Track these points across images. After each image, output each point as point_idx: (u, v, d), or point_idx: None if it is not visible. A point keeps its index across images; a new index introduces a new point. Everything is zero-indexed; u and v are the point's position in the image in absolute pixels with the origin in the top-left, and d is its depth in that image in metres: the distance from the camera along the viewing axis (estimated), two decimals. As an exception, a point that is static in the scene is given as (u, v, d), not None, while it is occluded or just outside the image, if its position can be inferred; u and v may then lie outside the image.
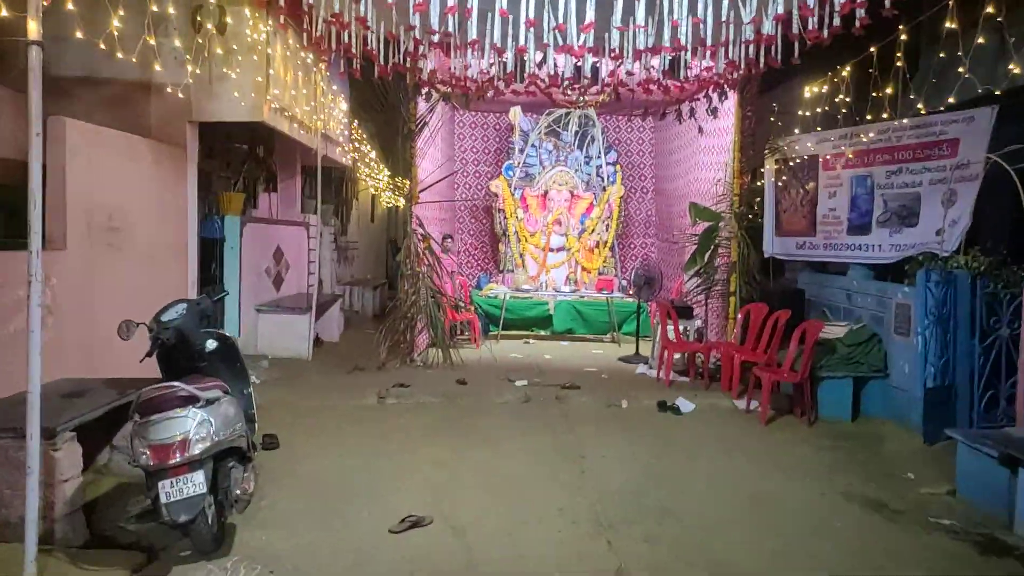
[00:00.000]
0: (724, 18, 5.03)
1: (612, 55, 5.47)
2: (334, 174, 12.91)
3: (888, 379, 6.57)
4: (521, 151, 12.16)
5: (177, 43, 6.42)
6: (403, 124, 8.48)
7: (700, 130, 9.13)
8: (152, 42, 5.32)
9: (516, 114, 12.07)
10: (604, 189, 12.19)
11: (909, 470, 5.29)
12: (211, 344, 4.43)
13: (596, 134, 12.16)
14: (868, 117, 6.61)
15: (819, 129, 7.57)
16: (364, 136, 11.55)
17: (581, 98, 8.44)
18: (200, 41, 6.52)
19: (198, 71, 6.65)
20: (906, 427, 6.18)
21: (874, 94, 6.14)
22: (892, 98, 6.00)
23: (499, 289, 10.95)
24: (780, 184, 8.29)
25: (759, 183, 8.58)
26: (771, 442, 5.99)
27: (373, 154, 12.06)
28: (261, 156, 10.68)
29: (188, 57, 6.62)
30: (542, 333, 11.19)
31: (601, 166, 12.26)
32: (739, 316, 8.07)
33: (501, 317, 10.53)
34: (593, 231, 12.16)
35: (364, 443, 5.64)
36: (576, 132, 12.09)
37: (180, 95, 6.55)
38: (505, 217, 12.05)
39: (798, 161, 8.00)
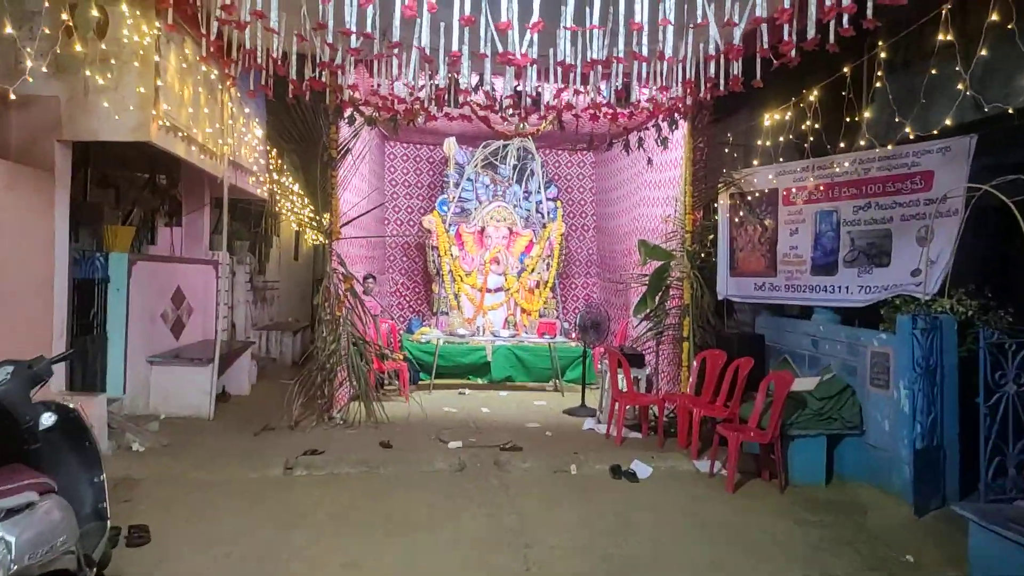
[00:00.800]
0: (691, 22, 4.33)
1: (560, 66, 4.72)
2: (253, 209, 11.84)
3: (864, 437, 5.90)
4: (456, 185, 11.35)
5: (44, 47, 5.41)
6: (323, 151, 7.55)
7: (649, 162, 8.50)
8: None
9: (451, 146, 11.29)
10: (544, 226, 11.46)
11: (906, 551, 4.56)
12: (47, 419, 3.39)
13: (535, 168, 11.46)
14: (841, 145, 6.05)
15: (782, 160, 6.98)
16: (285, 167, 10.55)
17: (521, 125, 7.69)
18: (73, 45, 5.51)
19: (71, 81, 5.62)
20: (888, 493, 5.49)
21: (847, 119, 5.57)
22: (867, 124, 5.43)
23: (432, 333, 10.01)
24: (736, 220, 7.67)
25: (712, 219, 7.95)
26: (743, 516, 5.19)
27: (297, 187, 11.06)
28: (162, 185, 9.56)
29: (58, 64, 5.59)
30: (479, 381, 10.27)
31: (541, 202, 11.54)
32: (694, 364, 7.34)
33: (434, 364, 9.58)
34: (533, 270, 11.38)
35: (260, 534, 4.59)
36: (515, 166, 11.37)
37: (47, 109, 5.51)
38: (439, 255, 11.17)
39: (756, 195, 7.40)
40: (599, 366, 10.41)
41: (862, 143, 5.80)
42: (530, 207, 11.53)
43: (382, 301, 11.90)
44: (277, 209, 10.84)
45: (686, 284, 7.81)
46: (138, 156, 9.20)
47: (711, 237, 8.00)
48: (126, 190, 8.98)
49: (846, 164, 6.44)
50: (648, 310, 7.89)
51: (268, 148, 9.53)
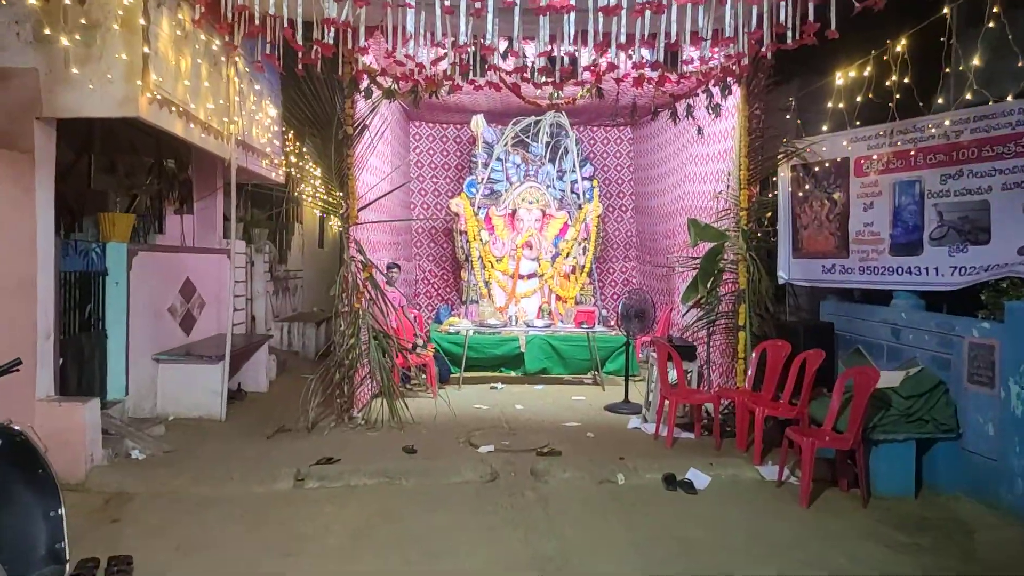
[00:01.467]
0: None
1: (603, 11, 3.97)
2: (275, 195, 11.27)
3: (960, 441, 5.08)
4: (485, 165, 10.63)
5: (20, 13, 4.83)
6: (337, 127, 6.87)
7: (700, 132, 7.67)
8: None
9: (479, 123, 10.56)
10: (580, 207, 10.69)
11: (1034, 586, 3.77)
12: (-14, 444, 2.78)
13: (570, 145, 10.68)
14: (939, 102, 5.19)
15: (859, 124, 6.10)
16: (305, 150, 9.93)
17: (556, 94, 6.91)
18: (52, 10, 4.90)
19: (50, 51, 5.01)
20: (995, 509, 4.67)
21: (943, 72, 4.71)
22: (976, 74, 4.58)
23: (461, 324, 9.33)
24: (799, 195, 6.83)
25: (771, 195, 7.12)
26: (822, 537, 4.43)
27: (319, 171, 10.46)
28: (171, 170, 8.99)
29: (35, 33, 4.99)
30: (512, 374, 9.58)
31: (576, 181, 10.76)
32: (752, 356, 6.55)
33: (463, 357, 8.91)
34: (568, 255, 10.63)
35: (262, 566, 3.96)
36: (547, 143, 10.59)
37: (24, 83, 4.92)
38: (468, 240, 10.48)
39: (823, 166, 6.55)
40: (641, 357, 9.66)
41: (968, 96, 4.94)
42: (564, 187, 10.76)
43: (408, 290, 11.27)
44: (297, 194, 10.23)
45: (741, 267, 7.00)
46: (147, 140, 8.67)
47: (768, 214, 7.17)
48: (129, 175, 8.41)
49: (931, 127, 5.58)
50: (699, 297, 7.10)
51: (284, 129, 8.89)
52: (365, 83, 6.87)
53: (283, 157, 8.97)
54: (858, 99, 5.81)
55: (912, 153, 5.74)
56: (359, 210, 7.05)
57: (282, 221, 11.71)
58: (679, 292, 9.24)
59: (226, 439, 6.31)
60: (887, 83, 5.44)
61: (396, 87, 6.91)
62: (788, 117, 6.73)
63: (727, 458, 5.88)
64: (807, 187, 6.68)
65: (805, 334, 6.33)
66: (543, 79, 6.62)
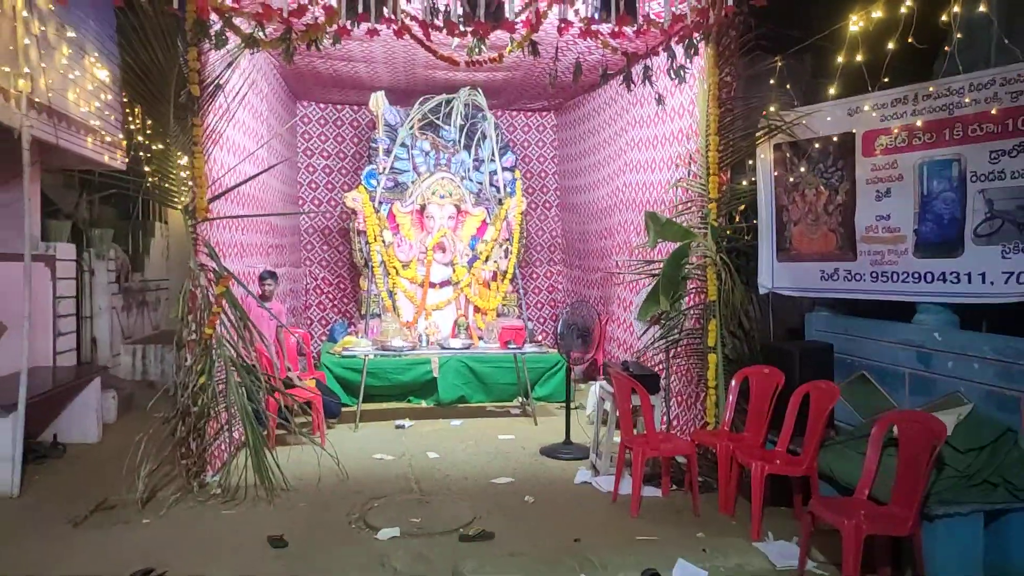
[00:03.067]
0: None
1: None
2: (131, 188, 9.11)
3: (1039, 509, 3.76)
4: (387, 152, 8.87)
5: None
6: (179, 85, 4.99)
7: (660, 101, 6.18)
8: None
9: (379, 101, 8.79)
10: (500, 202, 9.08)
11: None
12: None
13: (488, 129, 9.05)
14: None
15: (870, 90, 4.75)
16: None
17: (476, 47, 5.26)
18: None
19: None
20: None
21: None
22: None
23: (359, 345, 7.53)
24: (787, 181, 5.44)
25: (748, 182, 5.72)
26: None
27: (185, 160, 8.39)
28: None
29: None
30: (422, 404, 7.87)
31: (495, 172, 9.15)
32: (731, 386, 5.12)
33: (361, 385, 7.10)
34: (488, 258, 9.01)
35: None
36: (461, 127, 8.93)
37: None
38: (367, 242, 8.69)
39: (819, 145, 5.18)
40: (574, 376, 8.16)
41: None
42: (482, 179, 9.13)
43: (297, 301, 9.35)
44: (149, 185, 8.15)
45: (710, 273, 5.57)
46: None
47: (743, 208, 5.77)
48: None
49: (975, 89, 4.27)
50: (659, 311, 5.60)
51: (125, 98, 6.87)
52: (217, 26, 5.02)
53: (122, 135, 6.95)
54: (857, 59, 4.44)
55: (947, 123, 4.42)
56: (211, 200, 5.19)
57: (137, 219, 9.55)
58: (621, 302, 7.78)
59: (7, 530, 4.34)
60: (896, 40, 4.09)
61: (260, 32, 5.10)
62: (772, 83, 5.32)
63: (715, 529, 4.40)
64: (797, 171, 5.30)
65: (800, 359, 4.93)
66: (463, 27, 5.00)
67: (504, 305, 9.04)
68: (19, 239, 6.60)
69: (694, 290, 5.79)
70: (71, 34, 5.72)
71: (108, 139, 6.67)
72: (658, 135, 6.92)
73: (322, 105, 10.23)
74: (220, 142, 5.54)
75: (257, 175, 5.89)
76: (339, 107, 10.28)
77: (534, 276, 10.84)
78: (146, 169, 5.20)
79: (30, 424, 6.01)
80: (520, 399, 7.93)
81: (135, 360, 8.67)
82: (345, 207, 9.04)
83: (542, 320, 10.81)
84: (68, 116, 5.80)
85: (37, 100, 5.22)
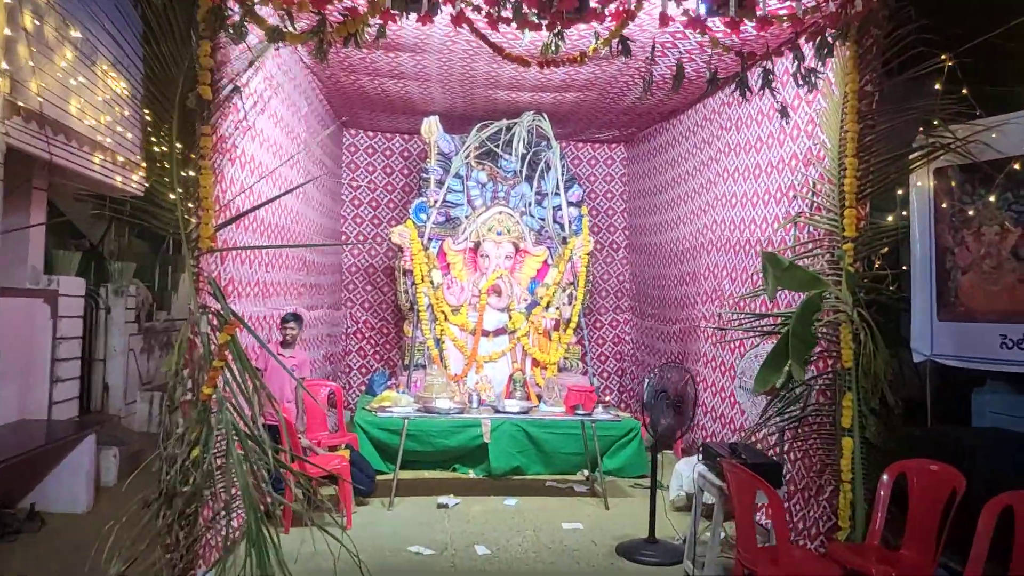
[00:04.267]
0: None
1: None
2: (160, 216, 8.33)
3: None
4: (439, 184, 7.89)
5: None
6: (186, 87, 4.06)
7: (784, 114, 5.02)
8: None
9: (432, 127, 7.85)
10: (564, 241, 7.99)
11: None
12: None
13: (553, 158, 8.02)
14: None
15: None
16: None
17: (553, 44, 4.22)
18: None
19: None
20: None
21: None
22: None
23: (399, 404, 6.42)
24: (954, 216, 4.21)
25: (896, 218, 4.49)
26: None
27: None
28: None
29: None
30: (470, 474, 6.72)
31: (559, 207, 8.08)
32: (882, 481, 3.84)
33: (399, 452, 5.96)
34: (549, 305, 7.89)
35: None
36: (523, 155, 7.91)
37: None
38: (413, 283, 7.68)
39: (1000, 169, 3.95)
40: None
41: None
42: (544, 215, 8.07)
43: (334, 348, 8.34)
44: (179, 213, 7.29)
45: (844, 333, 4.33)
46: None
47: (885, 250, 4.53)
48: None
49: None
50: (781, 382, 4.36)
51: (147, 114, 6.04)
52: (236, 15, 4.09)
53: (141, 157, 6.13)
54: None
55: None
56: (219, 228, 4.20)
57: (166, 252, 8.75)
58: (710, 361, 6.55)
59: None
60: None
61: (290, 25, 4.16)
62: (937, 88, 4.11)
63: None
64: (972, 204, 4.07)
65: (978, 453, 3.64)
66: (535, 16, 3.99)
67: (566, 359, 7.88)
68: (22, 270, 5.77)
69: (821, 354, 4.55)
70: (75, 34, 4.89)
71: (122, 160, 5.82)
72: (763, 163, 5.76)
73: (370, 134, 9.37)
74: (241, 160, 4.59)
75: (277, 197, 4.88)
76: (388, 136, 9.41)
77: (597, 325, 9.67)
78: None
79: (5, 490, 5.07)
80: (585, 472, 6.71)
81: (152, 409, 7.74)
82: (391, 243, 8.06)
83: (605, 375, 9.59)
84: (68, 128, 4.94)
85: (23, 105, 4.35)
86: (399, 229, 7.79)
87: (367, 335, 9.31)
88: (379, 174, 9.40)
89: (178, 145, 4.05)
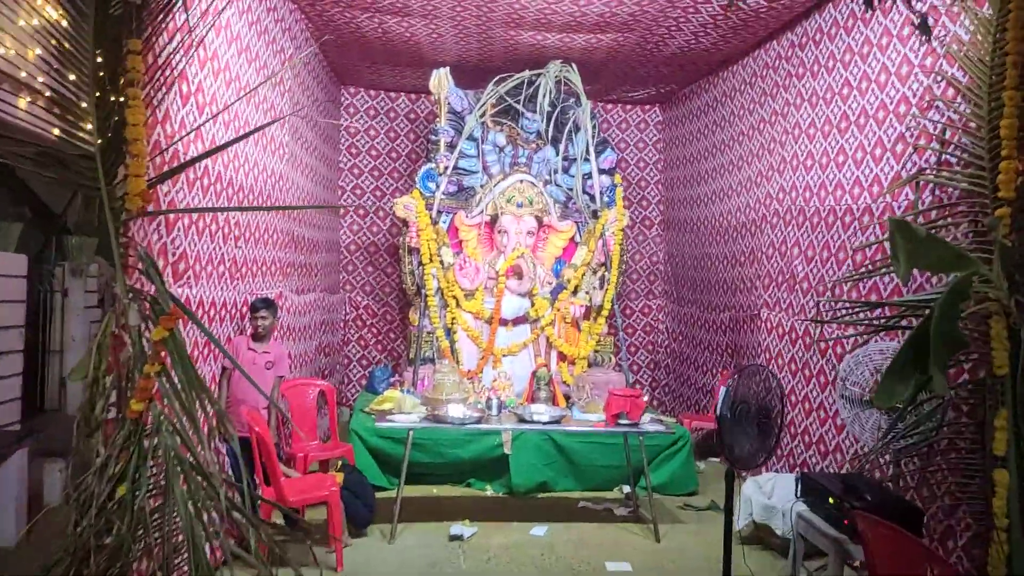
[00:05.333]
0: None
1: None
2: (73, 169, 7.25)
3: None
4: (450, 147, 6.77)
5: None
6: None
7: (923, 28, 3.84)
8: None
9: (442, 80, 6.71)
10: (595, 215, 6.88)
11: None
12: None
13: (583, 119, 6.88)
14: None
15: None
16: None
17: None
18: None
19: None
20: None
21: None
22: None
23: (403, 407, 5.31)
24: None
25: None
26: None
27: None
28: None
29: None
30: (487, 491, 5.64)
31: (590, 175, 6.95)
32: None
33: (403, 470, 4.86)
34: (577, 289, 6.79)
35: None
36: (549, 114, 6.77)
37: None
38: (420, 263, 6.58)
39: None
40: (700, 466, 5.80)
41: None
42: (572, 184, 6.94)
43: (331, 337, 7.26)
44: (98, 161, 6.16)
45: (996, 330, 3.22)
46: None
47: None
48: None
49: None
50: (916, 393, 3.24)
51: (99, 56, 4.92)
52: None
53: (88, 104, 4.99)
54: None
55: None
56: (154, 181, 3.09)
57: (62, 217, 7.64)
58: (775, 356, 5.44)
59: None
60: None
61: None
62: None
63: None
64: None
65: None
66: None
67: (597, 352, 6.78)
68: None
69: (960, 357, 3.44)
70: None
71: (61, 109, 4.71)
72: (853, 112, 4.62)
73: (372, 92, 8.24)
74: (197, 99, 3.48)
75: (235, 141, 3.69)
76: (392, 95, 8.28)
77: (627, 311, 8.56)
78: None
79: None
80: (625, 488, 5.64)
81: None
82: (395, 217, 6.94)
83: (635, 368, 8.50)
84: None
85: None
86: (404, 200, 6.67)
87: (369, 323, 8.24)
88: (382, 139, 8.28)
89: (99, 60, 2.96)
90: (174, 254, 3.54)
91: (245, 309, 4.65)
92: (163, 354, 2.95)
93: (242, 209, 4.16)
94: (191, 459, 2.98)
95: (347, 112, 8.21)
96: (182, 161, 3.35)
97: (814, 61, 5.18)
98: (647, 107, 8.64)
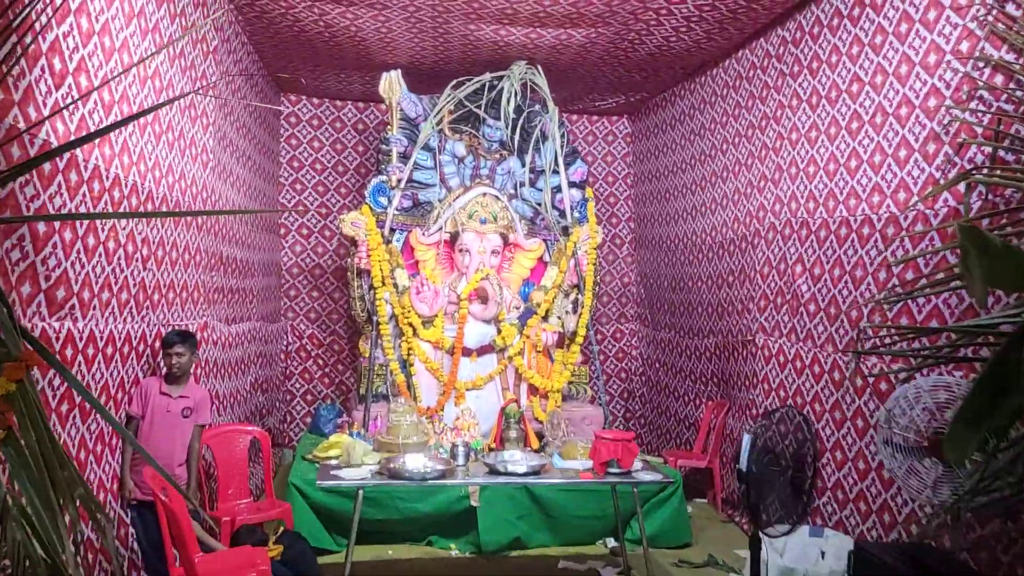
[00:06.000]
0: None
1: None
2: None
3: None
4: (404, 157, 6.04)
5: None
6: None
7: None
8: None
9: (393, 84, 5.99)
10: (566, 232, 6.23)
11: None
12: None
13: (550, 126, 6.24)
14: None
15: None
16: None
17: None
18: None
19: None
20: None
21: None
22: None
23: (351, 456, 4.50)
24: None
25: None
26: None
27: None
28: None
29: None
30: (452, 551, 4.86)
31: (559, 188, 6.31)
32: None
33: (354, 526, 4.04)
34: (548, 314, 6.10)
35: None
36: (513, 121, 6.12)
37: None
38: (372, 287, 5.81)
39: None
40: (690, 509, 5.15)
41: None
42: (540, 198, 6.28)
43: (267, 371, 6.39)
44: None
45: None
46: None
47: None
48: None
49: None
50: (992, 444, 2.62)
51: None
52: None
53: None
54: None
55: None
56: (5, 175, 2.29)
57: None
58: (777, 386, 4.82)
59: None
60: None
61: None
62: None
63: None
64: None
65: None
66: None
67: (572, 384, 6.09)
68: None
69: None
70: None
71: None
72: (866, 110, 4.06)
73: (315, 101, 7.48)
74: (73, 78, 2.69)
75: (109, 129, 2.85)
76: (338, 104, 7.53)
77: (598, 337, 7.89)
78: None
79: None
80: (609, 542, 4.94)
81: None
82: (343, 236, 6.16)
83: (607, 399, 7.81)
84: None
85: None
86: (351, 216, 5.90)
87: (314, 353, 7.40)
88: (327, 151, 7.51)
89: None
90: (48, 278, 2.73)
91: (158, 344, 3.83)
92: (9, 415, 2.13)
93: (129, 216, 3.35)
94: (45, 558, 2.16)
95: (288, 122, 7.43)
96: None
97: (812, 57, 4.64)
98: (614, 118, 8.07)
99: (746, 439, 2.97)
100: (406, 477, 3.84)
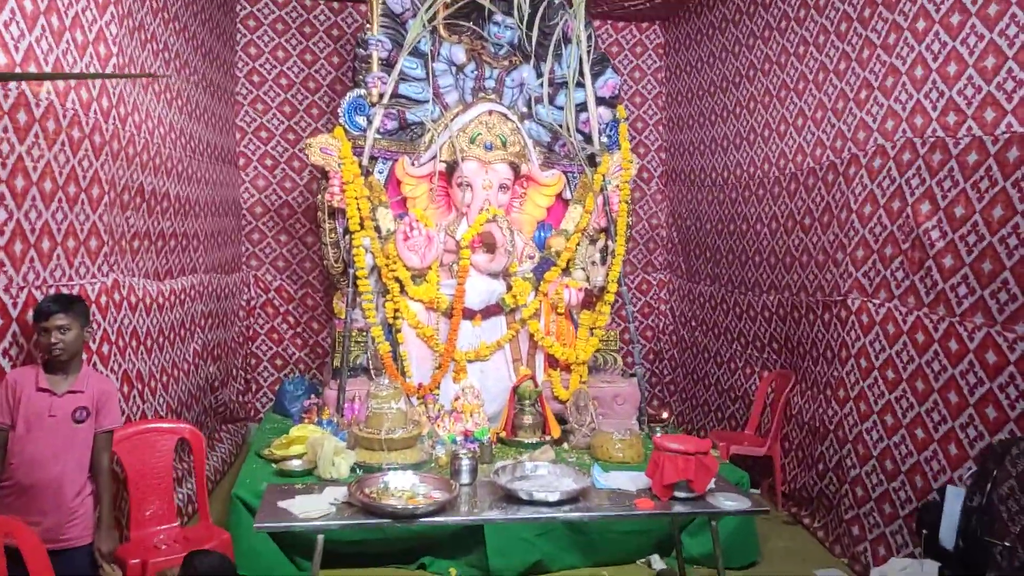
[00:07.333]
0: None
1: None
2: None
3: None
4: (387, 65, 4.68)
5: None
6: None
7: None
8: None
9: (372, -31, 4.58)
10: (593, 161, 4.92)
11: None
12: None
13: (575, 25, 4.87)
14: None
15: None
16: None
17: None
18: None
19: None
20: None
21: None
22: None
23: (322, 459, 3.35)
24: None
25: None
26: None
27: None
28: None
29: None
30: (453, 576, 3.73)
31: (584, 106, 4.97)
32: None
33: (316, 557, 2.87)
34: (570, 265, 4.86)
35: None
36: (526, 16, 4.75)
37: None
38: (348, 230, 4.54)
39: None
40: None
41: None
42: (561, 118, 4.95)
43: (220, 335, 5.12)
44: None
45: None
46: None
47: None
48: None
49: None
50: None
51: None
52: None
53: None
54: None
55: None
56: None
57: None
58: (861, 356, 3.60)
59: None
60: None
61: None
62: None
63: None
64: None
65: None
66: None
67: (600, 352, 4.88)
68: None
69: None
70: None
71: None
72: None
73: (280, 1, 6.06)
74: None
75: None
76: (308, 4, 6.10)
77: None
78: None
79: None
80: (653, 560, 3.82)
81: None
82: (312, 165, 4.84)
83: (629, 361, 6.64)
84: None
85: None
86: (321, 140, 4.59)
87: (283, 309, 6.17)
88: (295, 63, 6.11)
89: None
90: None
91: (29, 317, 2.60)
92: None
93: None
94: None
95: (245, 26, 6.01)
96: None
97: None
98: (644, 25, 6.67)
99: (952, 495, 1.76)
100: (385, 513, 2.64)
